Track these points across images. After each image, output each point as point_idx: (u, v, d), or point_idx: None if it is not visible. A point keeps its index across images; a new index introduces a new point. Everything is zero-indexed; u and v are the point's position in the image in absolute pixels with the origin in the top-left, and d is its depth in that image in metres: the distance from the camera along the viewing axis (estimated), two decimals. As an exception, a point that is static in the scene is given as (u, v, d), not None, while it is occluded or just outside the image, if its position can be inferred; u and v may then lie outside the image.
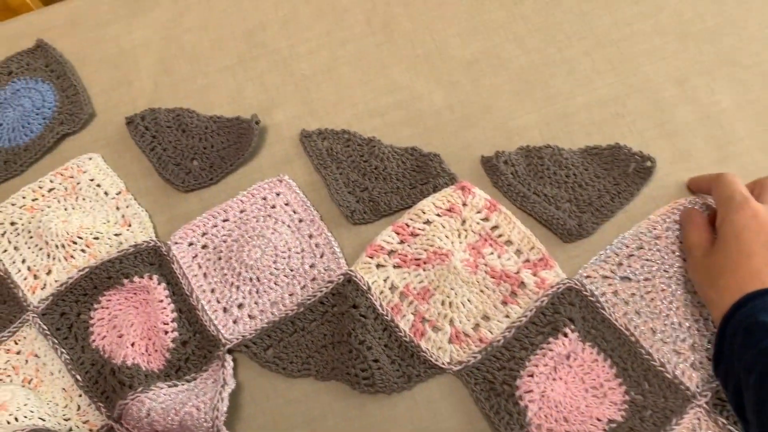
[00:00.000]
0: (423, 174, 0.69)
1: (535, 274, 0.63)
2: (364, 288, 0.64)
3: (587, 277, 0.63)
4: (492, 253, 0.65)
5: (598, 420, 0.58)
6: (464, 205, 0.67)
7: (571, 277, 0.63)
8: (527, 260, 0.64)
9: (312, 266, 0.67)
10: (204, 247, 0.68)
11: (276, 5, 0.80)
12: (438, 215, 0.67)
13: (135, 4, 0.82)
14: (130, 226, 0.70)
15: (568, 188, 0.67)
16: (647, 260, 0.62)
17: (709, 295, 0.56)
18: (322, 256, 0.67)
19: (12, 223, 0.71)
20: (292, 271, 0.66)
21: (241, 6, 0.80)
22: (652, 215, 0.64)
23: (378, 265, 0.65)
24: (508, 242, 0.65)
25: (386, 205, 0.68)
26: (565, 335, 0.60)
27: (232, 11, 0.80)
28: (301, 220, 0.69)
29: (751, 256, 0.53)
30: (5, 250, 0.70)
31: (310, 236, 0.68)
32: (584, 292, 0.62)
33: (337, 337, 0.63)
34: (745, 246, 0.54)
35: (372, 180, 0.70)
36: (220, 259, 0.67)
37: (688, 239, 0.61)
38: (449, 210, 0.67)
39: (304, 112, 0.74)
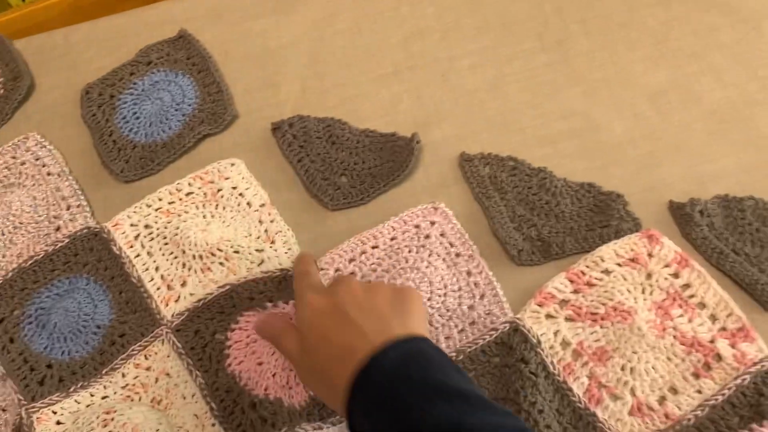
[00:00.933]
0: (603, 215, 0.61)
1: (733, 346, 0.56)
2: (534, 341, 0.57)
3: (797, 356, 0.55)
4: (682, 316, 0.57)
5: None
6: (650, 256, 0.59)
7: (776, 353, 0.55)
8: (724, 328, 0.57)
9: (471, 308, 0.60)
10: (351, 274, 0.62)
11: (437, 12, 0.73)
12: (619, 265, 0.59)
13: (283, -1, 0.77)
14: (273, 243, 0.65)
15: (775, 249, 0.58)
16: None
17: (328, 397, 0.51)
18: (482, 298, 0.60)
19: (146, 226, 0.66)
20: (448, 311, 0.60)
21: (398, 10, 0.74)
22: None
23: (548, 316, 0.59)
24: (701, 305, 0.57)
25: (558, 247, 0.61)
26: (772, 423, 0.52)
27: (389, 15, 0.74)
28: (458, 255, 0.62)
29: (330, 340, 0.50)
30: (138, 255, 0.65)
31: (469, 274, 0.62)
32: (793, 374, 0.54)
33: (501, 393, 0.56)
34: (321, 334, 0.51)
35: (542, 217, 0.63)
36: (369, 289, 0.61)
37: (282, 351, 0.56)
38: (633, 260, 0.59)
39: (465, 133, 0.68)
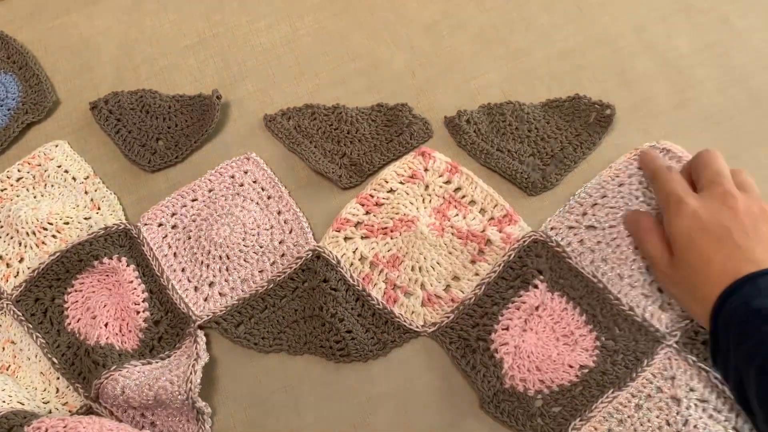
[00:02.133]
0: (396, 126, 0.69)
1: (500, 231, 0.64)
2: (334, 262, 0.64)
3: (552, 228, 0.63)
4: (457, 215, 0.65)
5: (570, 366, 0.58)
6: (426, 170, 0.67)
7: (537, 229, 0.63)
8: (492, 218, 0.64)
9: (281, 242, 0.67)
10: (174, 227, 0.68)
11: (233, -18, 0.80)
12: (401, 183, 0.67)
13: (94, -9, 0.82)
14: (99, 209, 0.70)
15: (531, 142, 0.67)
16: (612, 208, 0.62)
17: (692, 307, 0.55)
18: (290, 232, 0.67)
19: (-18, 215, 0.71)
20: (261, 248, 0.66)
21: (199, -14, 0.80)
22: (614, 163, 0.64)
23: (346, 238, 0.66)
24: (472, 202, 0.65)
25: (369, 164, 0.68)
26: (535, 287, 0.60)
27: (190, -8, 0.80)
28: (269, 197, 0.69)
29: (710, 259, 0.51)
30: (-25, 241, 0.70)
31: (279, 213, 0.68)
32: (550, 243, 0.62)
33: (309, 312, 0.63)
34: (700, 252, 0.52)
35: (347, 144, 0.70)
36: (189, 238, 0.67)
37: (645, 252, 0.58)
38: (411, 177, 0.67)
39: (267, 86, 0.74)
